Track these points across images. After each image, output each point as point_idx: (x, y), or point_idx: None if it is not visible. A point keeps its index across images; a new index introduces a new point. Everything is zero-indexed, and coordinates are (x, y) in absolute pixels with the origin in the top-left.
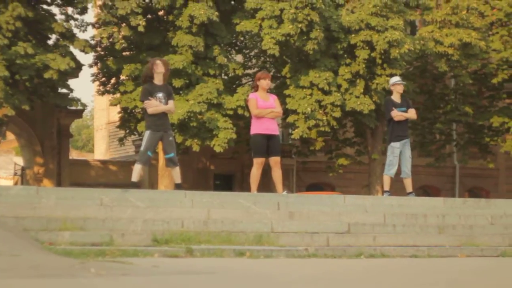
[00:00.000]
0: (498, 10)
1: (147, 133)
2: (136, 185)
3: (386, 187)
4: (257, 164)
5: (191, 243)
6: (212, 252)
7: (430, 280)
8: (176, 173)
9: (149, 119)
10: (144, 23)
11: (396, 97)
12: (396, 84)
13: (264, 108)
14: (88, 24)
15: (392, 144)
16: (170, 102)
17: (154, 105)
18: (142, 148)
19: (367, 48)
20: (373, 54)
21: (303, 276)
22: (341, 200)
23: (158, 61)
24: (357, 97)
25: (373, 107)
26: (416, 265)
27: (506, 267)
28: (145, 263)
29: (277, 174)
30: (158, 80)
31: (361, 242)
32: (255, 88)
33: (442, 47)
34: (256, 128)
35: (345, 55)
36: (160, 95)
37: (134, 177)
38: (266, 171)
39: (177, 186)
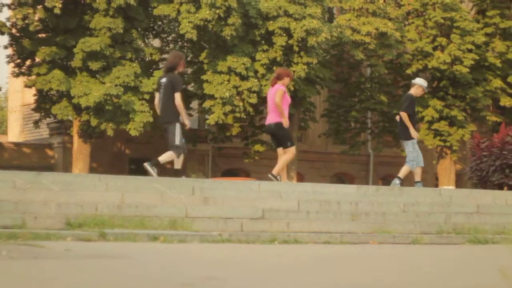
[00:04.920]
0: (414, 0)
1: (178, 126)
2: (181, 172)
3: (419, 177)
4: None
5: (104, 227)
6: (126, 237)
7: (343, 266)
8: (181, 160)
9: (177, 112)
10: (60, 5)
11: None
12: (423, 88)
13: (287, 103)
14: (4, 5)
15: (415, 140)
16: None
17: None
18: (178, 143)
19: (284, 35)
20: (290, 42)
21: (215, 260)
22: (256, 186)
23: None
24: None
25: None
26: (328, 251)
27: (416, 254)
28: (57, 246)
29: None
30: (178, 71)
31: (275, 228)
32: (279, 78)
33: (359, 36)
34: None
35: (263, 42)
36: None
37: (178, 165)
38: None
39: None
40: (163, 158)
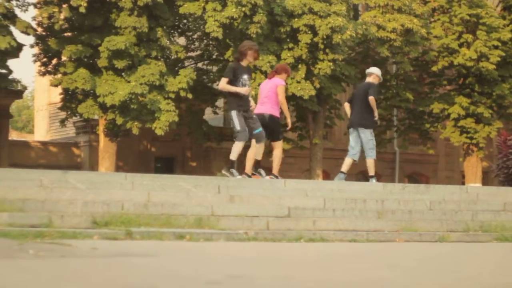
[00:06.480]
0: None
1: (234, 114)
2: (234, 164)
3: (373, 171)
4: None
5: (131, 225)
6: (152, 235)
7: (370, 264)
8: (261, 149)
9: (232, 100)
10: (85, 4)
11: None
12: (380, 77)
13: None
14: (29, 4)
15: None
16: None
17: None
18: (238, 128)
19: (309, 32)
20: (315, 39)
21: (242, 258)
22: (281, 184)
23: (255, 52)
24: (298, 82)
25: (313, 92)
26: (355, 249)
27: (444, 252)
28: (84, 245)
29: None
30: (245, 63)
31: (301, 226)
32: (278, 72)
33: (385, 33)
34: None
35: (288, 39)
36: (245, 76)
37: (234, 156)
38: (204, 155)
39: (258, 163)
40: (233, 154)
